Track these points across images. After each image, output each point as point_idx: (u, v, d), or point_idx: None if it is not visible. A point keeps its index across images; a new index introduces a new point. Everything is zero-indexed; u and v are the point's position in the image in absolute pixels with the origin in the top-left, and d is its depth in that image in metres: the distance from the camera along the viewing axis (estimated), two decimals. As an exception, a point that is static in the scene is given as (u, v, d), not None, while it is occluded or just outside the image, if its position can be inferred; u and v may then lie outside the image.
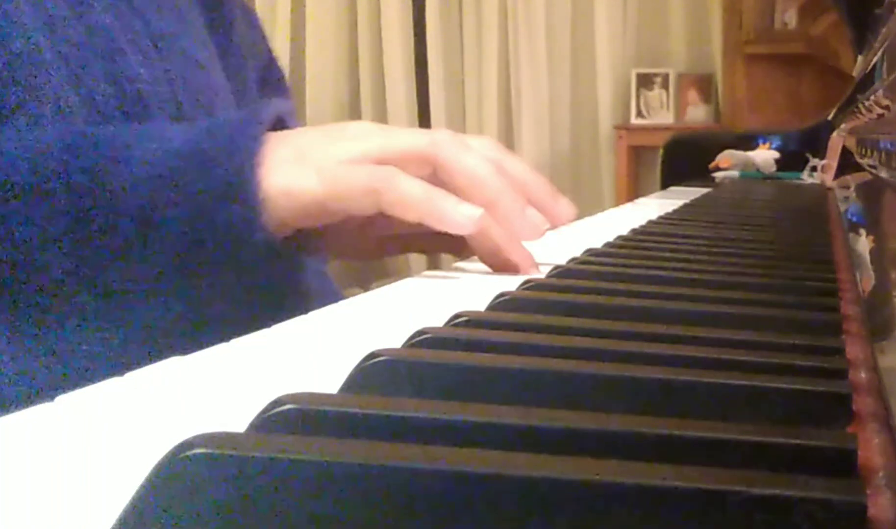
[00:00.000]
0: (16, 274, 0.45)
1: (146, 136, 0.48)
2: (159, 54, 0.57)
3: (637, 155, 3.29)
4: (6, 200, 0.45)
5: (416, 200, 0.48)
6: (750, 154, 1.54)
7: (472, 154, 0.52)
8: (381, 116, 3.52)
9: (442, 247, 0.58)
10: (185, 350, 0.32)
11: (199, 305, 0.48)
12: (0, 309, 0.45)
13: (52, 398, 0.26)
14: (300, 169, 0.48)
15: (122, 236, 0.46)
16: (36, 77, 0.49)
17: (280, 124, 0.52)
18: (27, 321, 0.46)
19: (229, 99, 0.65)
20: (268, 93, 0.75)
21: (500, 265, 0.52)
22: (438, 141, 0.52)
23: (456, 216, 0.49)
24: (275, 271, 0.49)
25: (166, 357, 0.31)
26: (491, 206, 0.50)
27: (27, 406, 0.26)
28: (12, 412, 0.25)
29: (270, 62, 0.79)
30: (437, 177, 0.51)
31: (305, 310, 0.40)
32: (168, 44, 0.58)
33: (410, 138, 0.52)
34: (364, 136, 0.51)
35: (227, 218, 0.46)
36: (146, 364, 0.30)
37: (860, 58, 1.19)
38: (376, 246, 0.59)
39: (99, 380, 0.28)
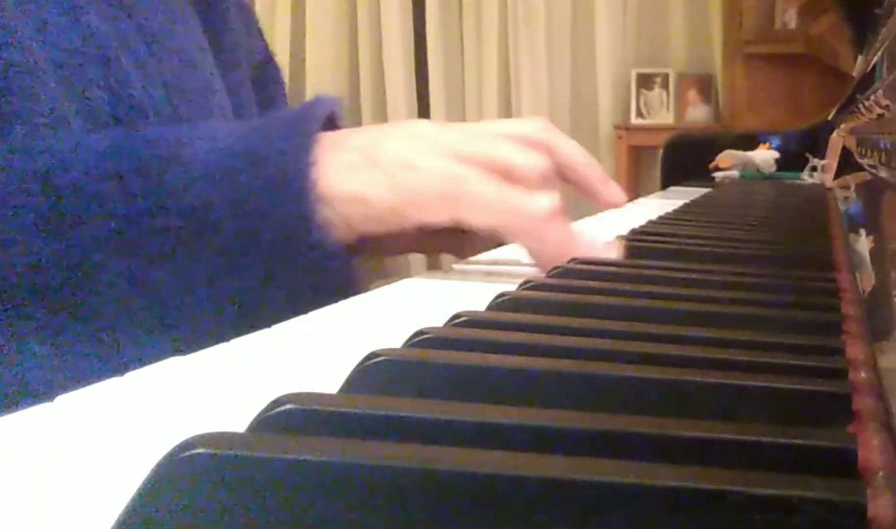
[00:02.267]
0: (67, 276, 0.44)
1: (197, 135, 0.47)
2: (153, 56, 0.57)
3: (637, 155, 3.29)
4: (58, 201, 0.44)
5: (490, 201, 0.47)
6: (750, 154, 1.54)
7: (514, 145, 0.51)
8: (381, 116, 3.52)
9: (442, 247, 0.58)
10: None
11: (252, 308, 0.47)
12: (51, 311, 0.44)
13: None
14: (371, 175, 0.47)
15: (174, 236, 0.45)
16: (31, 85, 0.48)
17: (331, 123, 0.51)
18: (78, 323, 0.45)
19: (224, 98, 0.65)
20: (264, 92, 0.75)
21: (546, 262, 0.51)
22: (505, 136, 0.51)
23: (533, 207, 0.48)
24: (332, 275, 0.48)
25: None
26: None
27: None
28: None
29: (267, 60, 0.79)
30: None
31: None
32: (162, 44, 0.58)
33: (487, 142, 0.50)
34: (434, 139, 0.50)
35: (281, 217, 0.46)
36: None
37: (860, 58, 1.19)
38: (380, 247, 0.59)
39: None
